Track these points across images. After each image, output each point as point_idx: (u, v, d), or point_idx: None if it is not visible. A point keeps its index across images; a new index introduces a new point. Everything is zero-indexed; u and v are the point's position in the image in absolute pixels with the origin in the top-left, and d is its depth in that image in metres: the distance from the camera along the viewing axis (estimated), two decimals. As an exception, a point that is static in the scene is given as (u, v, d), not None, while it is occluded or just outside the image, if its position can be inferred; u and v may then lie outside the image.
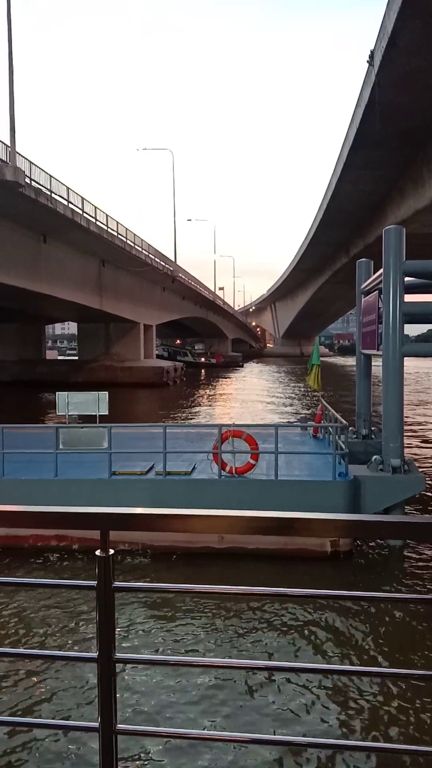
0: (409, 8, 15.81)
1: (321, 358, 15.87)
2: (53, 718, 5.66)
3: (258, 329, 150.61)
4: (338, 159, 30.49)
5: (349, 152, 27.15)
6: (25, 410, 31.75)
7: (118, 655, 1.93)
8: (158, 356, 59.06)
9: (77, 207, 31.38)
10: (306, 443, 13.93)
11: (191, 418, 28.36)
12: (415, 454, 17.73)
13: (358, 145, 25.82)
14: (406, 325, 10.92)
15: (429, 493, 13.45)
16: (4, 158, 24.34)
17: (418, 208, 27.04)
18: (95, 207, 34.17)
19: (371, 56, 19.86)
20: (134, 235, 42.06)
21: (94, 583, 1.90)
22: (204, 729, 5.50)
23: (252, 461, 10.58)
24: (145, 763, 5.09)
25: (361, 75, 22.02)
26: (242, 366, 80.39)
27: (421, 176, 25.87)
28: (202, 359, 64.82)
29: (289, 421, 24.54)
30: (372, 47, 19.65)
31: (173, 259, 54.94)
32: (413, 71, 18.86)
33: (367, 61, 20.36)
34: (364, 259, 15.03)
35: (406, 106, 21.28)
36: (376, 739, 5.46)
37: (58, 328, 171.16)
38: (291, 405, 34.26)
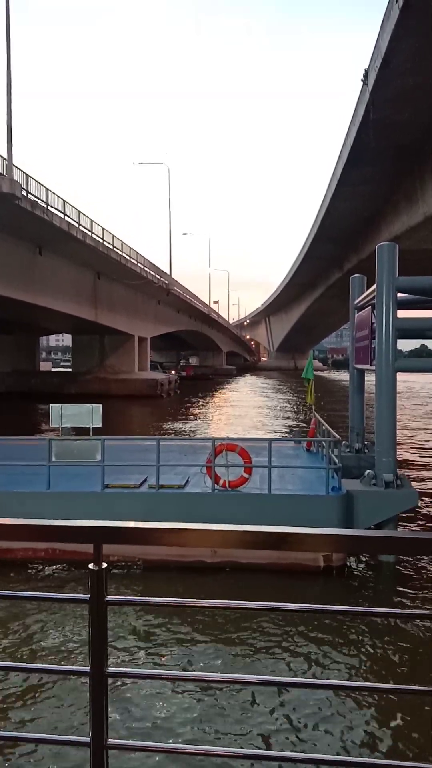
0: (403, 29, 16.08)
1: (315, 372, 15.94)
2: (44, 732, 5.60)
3: (252, 343, 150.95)
4: (332, 175, 30.81)
5: (343, 168, 27.45)
6: (19, 422, 31.63)
7: (110, 668, 1.93)
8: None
9: (73, 220, 31.54)
10: (299, 457, 13.93)
11: (185, 431, 28.32)
12: (409, 469, 17.77)
13: (352, 162, 26.12)
14: (398, 341, 10.98)
15: (422, 508, 13.46)
16: (1, 171, 24.48)
17: (412, 225, 27.30)
18: (91, 220, 34.35)
19: (365, 75, 20.16)
20: (130, 248, 42.25)
21: (86, 596, 1.90)
22: (196, 744, 5.45)
23: (245, 475, 10.57)
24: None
25: (357, 90, 22.33)
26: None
27: (415, 193, 26.14)
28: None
29: (285, 434, 24.60)
30: (366, 66, 19.97)
31: (168, 273, 55.17)
32: (407, 90, 19.14)
33: (362, 80, 20.67)
34: (357, 275, 15.14)
35: (399, 124, 21.58)
36: (369, 755, 5.43)
37: (53, 340, 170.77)
38: (283, 419, 34.29)
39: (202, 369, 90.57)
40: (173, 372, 67.01)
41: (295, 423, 30.81)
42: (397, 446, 11.33)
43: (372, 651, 7.35)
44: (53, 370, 78.25)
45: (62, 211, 30.22)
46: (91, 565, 1.90)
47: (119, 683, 6.29)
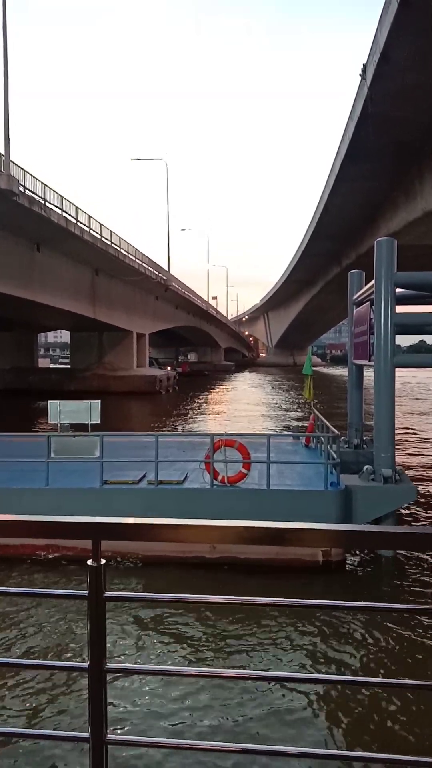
0: (402, 25, 16.03)
1: (313, 368, 15.94)
2: (43, 728, 5.61)
3: (251, 339, 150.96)
4: (331, 171, 30.75)
5: (341, 164, 27.40)
6: (17, 419, 31.62)
7: (109, 664, 1.93)
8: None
9: (71, 216, 31.44)
10: (298, 453, 13.94)
11: (184, 427, 28.32)
12: (408, 464, 17.79)
13: (350, 158, 26.07)
14: (397, 336, 10.98)
15: (421, 503, 13.49)
16: (-2, 167, 24.38)
17: (410, 220, 27.28)
18: (89, 216, 34.25)
19: (364, 70, 20.10)
20: (128, 244, 42.17)
21: (85, 592, 1.90)
22: (195, 739, 5.46)
23: (244, 471, 10.58)
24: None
25: (356, 89, 22.26)
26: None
27: (414, 188, 26.12)
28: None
29: (285, 429, 24.60)
30: (365, 61, 19.90)
31: (167, 269, 55.09)
32: (407, 88, 19.09)
33: (360, 75, 20.60)
34: (355, 271, 15.11)
35: (399, 121, 21.53)
36: (368, 750, 5.45)
37: (51, 337, 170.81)
38: (283, 414, 34.30)
39: (199, 365, 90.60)
40: (170, 368, 67.09)
41: (295, 420, 30.82)
42: (396, 442, 11.33)
43: (371, 646, 7.37)
44: (52, 366, 78.17)
45: (60, 207, 30.11)
46: (89, 561, 1.89)
47: (118, 679, 6.31)
